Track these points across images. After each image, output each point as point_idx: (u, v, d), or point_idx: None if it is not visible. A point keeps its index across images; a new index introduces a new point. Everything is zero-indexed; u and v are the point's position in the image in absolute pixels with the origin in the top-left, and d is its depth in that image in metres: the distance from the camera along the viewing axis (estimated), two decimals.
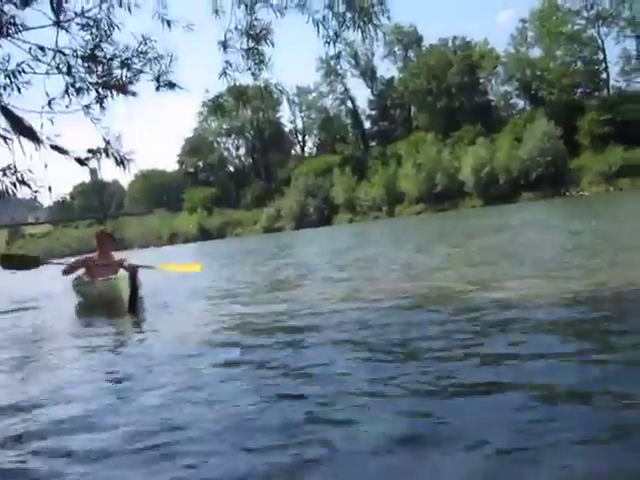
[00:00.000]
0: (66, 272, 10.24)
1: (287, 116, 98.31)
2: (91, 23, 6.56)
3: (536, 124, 58.11)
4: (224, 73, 6.94)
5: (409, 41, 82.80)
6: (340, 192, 71.16)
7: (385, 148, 75.93)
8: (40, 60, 7.36)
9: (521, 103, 73.71)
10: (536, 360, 3.33)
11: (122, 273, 9.16)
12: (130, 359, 5.19)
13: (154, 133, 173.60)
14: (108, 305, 8.58)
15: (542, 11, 66.06)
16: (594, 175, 53.25)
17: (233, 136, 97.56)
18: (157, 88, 6.91)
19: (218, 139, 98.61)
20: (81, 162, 7.15)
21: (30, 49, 7.35)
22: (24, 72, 7.46)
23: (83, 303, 9.73)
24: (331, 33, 6.59)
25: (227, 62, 6.92)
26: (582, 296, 5.16)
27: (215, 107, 7.16)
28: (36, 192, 7.76)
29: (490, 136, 62.87)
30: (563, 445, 2.17)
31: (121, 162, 6.75)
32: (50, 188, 7.19)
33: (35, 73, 7.47)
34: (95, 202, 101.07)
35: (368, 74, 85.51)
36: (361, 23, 6.44)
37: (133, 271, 8.08)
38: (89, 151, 7.13)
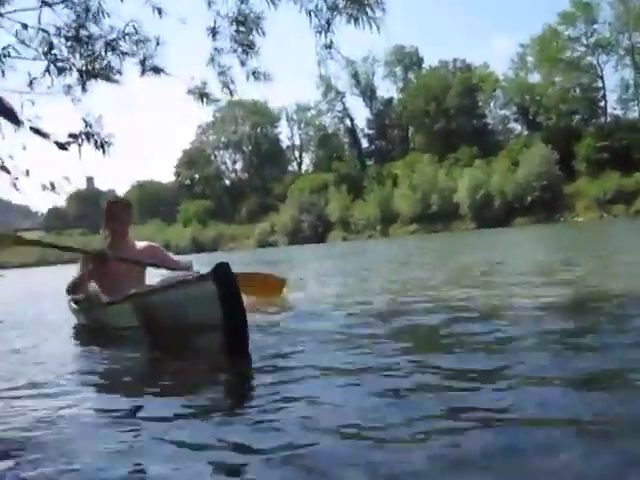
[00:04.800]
0: (73, 291, 5.59)
1: (285, 132, 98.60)
2: (76, 1, 6.37)
3: (533, 148, 58.34)
4: (212, 60, 6.77)
5: (410, 62, 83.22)
6: (335, 210, 71.23)
7: (382, 168, 75.95)
8: (26, 44, 7.19)
9: (518, 128, 74.18)
10: None
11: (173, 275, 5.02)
12: None
13: (152, 144, 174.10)
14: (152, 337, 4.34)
15: (542, 37, 66.47)
16: (589, 201, 53.41)
17: (230, 150, 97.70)
18: (142, 72, 6.73)
19: (215, 152, 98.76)
20: (61, 146, 6.94)
21: (17, 32, 7.19)
22: (9, 56, 7.28)
23: (90, 327, 5.52)
24: (323, 22, 6.44)
25: (216, 49, 6.75)
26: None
27: (200, 95, 7.00)
28: (16, 179, 7.56)
29: (486, 159, 62.99)
30: None
31: (101, 145, 6.53)
32: (28, 172, 6.99)
33: (20, 57, 7.30)
34: (90, 211, 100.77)
35: (368, 94, 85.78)
36: (354, 12, 6.29)
37: (226, 274, 3.51)
38: (70, 135, 6.93)
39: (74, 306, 5.82)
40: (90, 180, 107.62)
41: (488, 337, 3.28)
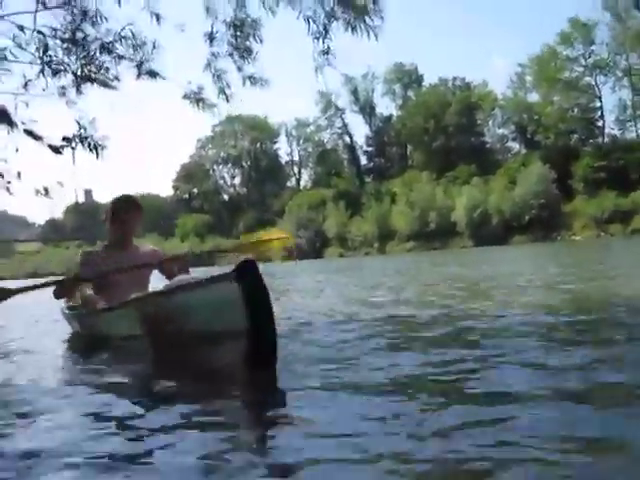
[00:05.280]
0: (62, 294, 5.03)
1: (284, 148, 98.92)
2: (74, 3, 6.34)
3: (531, 167, 58.55)
4: (208, 65, 6.74)
5: (409, 80, 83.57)
6: (333, 226, 71.33)
7: (380, 185, 76.18)
8: (22, 47, 7.16)
9: (516, 147, 74.44)
10: None
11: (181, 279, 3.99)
12: None
13: (151, 158, 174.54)
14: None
15: (540, 57, 66.88)
16: (586, 220, 53.59)
17: (229, 165, 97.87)
18: (138, 76, 6.69)
19: (214, 167, 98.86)
20: (55, 149, 6.90)
21: (14, 37, 7.15)
22: (6, 59, 7.24)
23: (85, 336, 4.93)
24: (320, 28, 6.43)
25: (213, 54, 6.72)
26: None
27: (196, 100, 6.97)
28: (9, 183, 7.52)
29: (484, 177, 63.17)
30: None
31: (94, 148, 6.47)
32: (19, 174, 6.94)
33: (17, 61, 7.26)
34: (87, 223, 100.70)
35: (367, 110, 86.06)
36: (352, 20, 6.27)
37: (252, 273, 2.87)
38: (64, 139, 6.88)
39: (67, 312, 5.34)
40: (88, 193, 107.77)
41: (496, 351, 3.08)
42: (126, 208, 4.99)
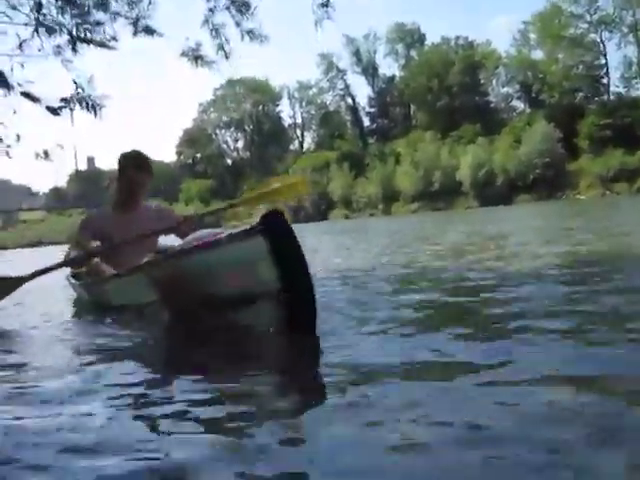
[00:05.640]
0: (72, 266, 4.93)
1: (287, 111, 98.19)
2: None
3: (535, 126, 58.11)
4: (206, 21, 6.60)
5: (412, 39, 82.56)
6: (337, 188, 71.12)
7: (384, 146, 75.77)
8: (17, 8, 7.03)
9: (521, 106, 73.74)
10: None
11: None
12: None
13: (154, 123, 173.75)
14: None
15: (544, 13, 65.85)
16: (592, 178, 53.29)
17: (232, 129, 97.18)
18: (135, 33, 6.55)
19: (217, 131, 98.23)
20: (53, 111, 6.80)
21: None
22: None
23: (93, 304, 4.51)
24: None
25: (210, 10, 6.57)
26: None
27: (195, 57, 6.83)
28: (9, 147, 7.46)
29: (489, 137, 62.72)
30: None
31: (92, 107, 6.36)
32: (18, 137, 6.86)
33: (11, 23, 7.13)
34: (90, 190, 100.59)
35: (369, 71, 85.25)
36: None
37: (281, 225, 2.49)
38: (62, 100, 6.78)
39: (73, 281, 5.02)
40: (91, 160, 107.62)
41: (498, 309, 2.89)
42: (135, 165, 4.62)
